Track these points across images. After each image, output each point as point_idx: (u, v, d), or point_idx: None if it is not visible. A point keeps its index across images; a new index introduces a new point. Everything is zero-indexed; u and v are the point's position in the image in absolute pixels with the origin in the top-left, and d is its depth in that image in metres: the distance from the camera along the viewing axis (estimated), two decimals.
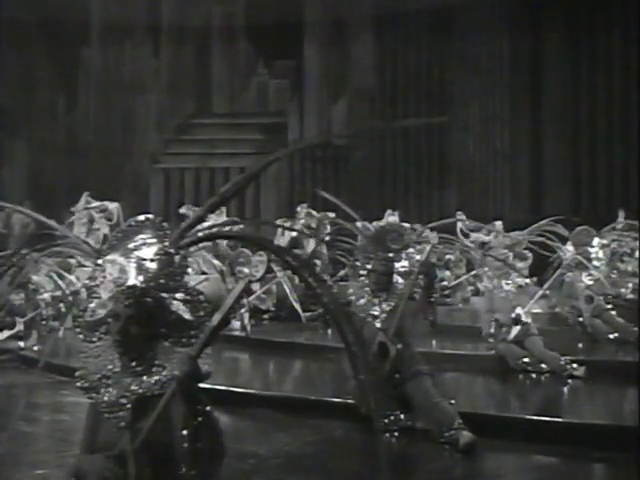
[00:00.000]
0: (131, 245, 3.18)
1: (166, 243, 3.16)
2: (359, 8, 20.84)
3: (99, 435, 3.21)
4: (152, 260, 3.13)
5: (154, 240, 3.17)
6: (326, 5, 21.33)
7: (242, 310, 10.96)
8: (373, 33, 21.00)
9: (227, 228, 5.03)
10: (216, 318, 2.95)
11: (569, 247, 10.30)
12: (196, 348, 3.00)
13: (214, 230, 3.63)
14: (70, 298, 10.39)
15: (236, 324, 10.72)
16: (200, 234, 3.29)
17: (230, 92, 22.25)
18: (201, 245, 7.40)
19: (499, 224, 14.14)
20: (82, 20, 21.10)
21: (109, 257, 3.18)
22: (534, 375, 7.95)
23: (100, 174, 20.62)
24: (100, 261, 3.20)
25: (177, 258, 3.15)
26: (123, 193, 20.06)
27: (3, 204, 6.93)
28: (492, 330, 8.43)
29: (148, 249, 3.16)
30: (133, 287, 3.11)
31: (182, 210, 15.05)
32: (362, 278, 6.36)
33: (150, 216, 3.27)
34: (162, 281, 3.12)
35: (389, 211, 15.42)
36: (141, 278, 3.12)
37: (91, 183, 18.00)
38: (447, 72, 20.18)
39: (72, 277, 11.07)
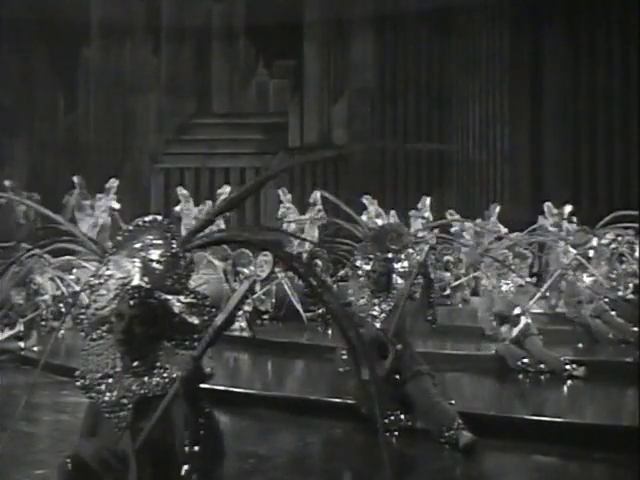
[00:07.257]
0: (138, 245, 3.18)
1: (173, 245, 3.16)
2: (359, 8, 20.84)
3: (98, 436, 3.21)
4: (158, 261, 3.13)
5: (161, 241, 3.17)
6: (326, 5, 21.33)
7: (244, 310, 10.93)
8: (373, 33, 21.01)
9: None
10: (220, 318, 2.95)
11: (569, 247, 10.30)
12: (199, 349, 2.99)
13: (221, 234, 3.62)
14: (70, 299, 10.38)
15: (235, 324, 10.70)
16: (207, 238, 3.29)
17: (230, 92, 22.25)
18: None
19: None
20: (82, 20, 21.11)
21: (115, 256, 3.18)
22: (534, 375, 7.95)
23: (100, 174, 20.61)
24: (105, 259, 3.20)
25: (183, 261, 3.15)
26: (123, 193, 20.06)
27: (9, 196, 6.93)
28: (494, 324, 8.42)
29: (155, 250, 3.15)
30: (138, 287, 3.11)
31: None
32: (361, 278, 6.35)
33: (158, 217, 3.26)
34: (167, 283, 3.12)
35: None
36: (147, 279, 3.12)
37: (91, 183, 17.96)
38: (447, 72, 20.18)
39: (73, 277, 11.06)
